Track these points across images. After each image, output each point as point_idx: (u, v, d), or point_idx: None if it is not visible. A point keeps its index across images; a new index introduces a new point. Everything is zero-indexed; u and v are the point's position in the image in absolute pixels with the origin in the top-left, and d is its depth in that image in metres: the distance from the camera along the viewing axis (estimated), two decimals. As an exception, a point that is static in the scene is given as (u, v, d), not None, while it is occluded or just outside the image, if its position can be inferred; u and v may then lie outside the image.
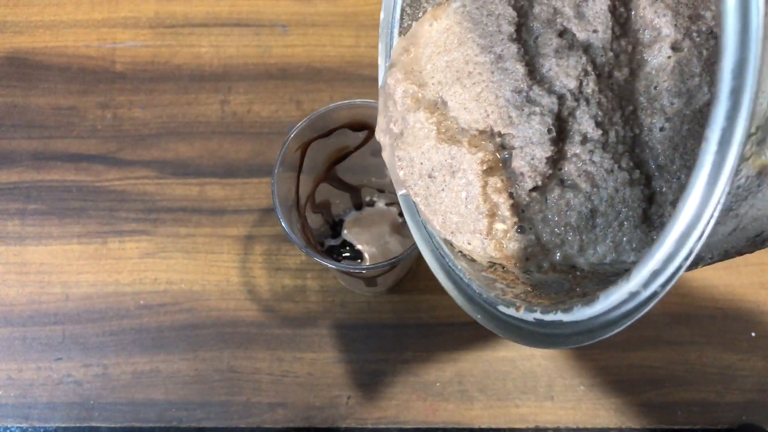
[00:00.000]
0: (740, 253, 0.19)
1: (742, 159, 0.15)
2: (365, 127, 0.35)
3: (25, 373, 0.42)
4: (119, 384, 0.42)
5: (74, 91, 0.48)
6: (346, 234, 0.42)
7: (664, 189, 0.22)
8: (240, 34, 0.49)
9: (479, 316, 0.22)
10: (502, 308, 0.21)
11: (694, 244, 0.14)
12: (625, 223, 0.22)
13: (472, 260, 0.25)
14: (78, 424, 0.41)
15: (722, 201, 0.14)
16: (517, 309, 0.21)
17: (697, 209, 0.14)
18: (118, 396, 0.41)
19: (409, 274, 0.44)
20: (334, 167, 0.39)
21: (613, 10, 0.24)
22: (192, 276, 0.44)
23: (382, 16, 0.28)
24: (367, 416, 0.41)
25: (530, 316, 0.20)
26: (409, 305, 0.43)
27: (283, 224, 0.32)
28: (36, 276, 0.44)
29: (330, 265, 0.32)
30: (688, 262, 0.14)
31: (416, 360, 0.42)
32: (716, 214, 0.14)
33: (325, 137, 0.35)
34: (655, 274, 0.15)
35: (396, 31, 0.28)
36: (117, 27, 0.49)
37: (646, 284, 0.15)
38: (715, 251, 0.18)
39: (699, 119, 0.22)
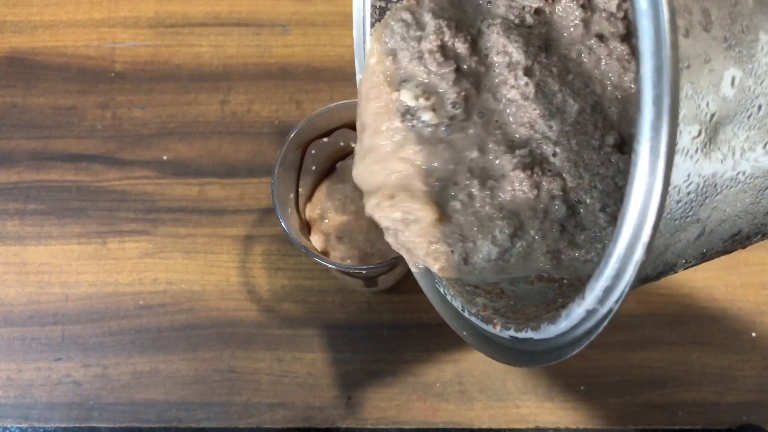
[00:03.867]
0: (725, 252, 0.19)
1: (693, 163, 0.14)
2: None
3: (25, 373, 0.42)
4: (119, 384, 0.42)
5: (74, 91, 0.48)
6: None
7: (588, 201, 0.23)
8: (240, 34, 0.49)
9: (465, 333, 0.23)
10: (482, 325, 0.22)
11: (639, 257, 0.14)
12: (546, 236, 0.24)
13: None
14: (77, 425, 0.41)
15: (659, 214, 0.13)
16: (494, 326, 0.21)
17: (637, 224, 0.14)
18: (117, 396, 0.41)
19: (410, 274, 0.43)
20: (334, 167, 0.39)
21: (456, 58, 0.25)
22: (192, 276, 0.44)
23: (354, 34, 0.28)
24: (367, 416, 0.41)
25: (506, 334, 0.20)
26: (409, 305, 0.43)
27: (283, 224, 0.32)
28: (36, 276, 0.44)
29: (330, 265, 0.32)
30: (634, 277, 0.15)
31: (416, 360, 0.42)
32: (650, 231, 0.14)
33: (325, 137, 0.35)
34: (608, 290, 0.15)
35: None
36: (117, 27, 0.49)
37: (601, 301, 0.16)
38: (689, 255, 0.18)
39: (580, 129, 0.23)
